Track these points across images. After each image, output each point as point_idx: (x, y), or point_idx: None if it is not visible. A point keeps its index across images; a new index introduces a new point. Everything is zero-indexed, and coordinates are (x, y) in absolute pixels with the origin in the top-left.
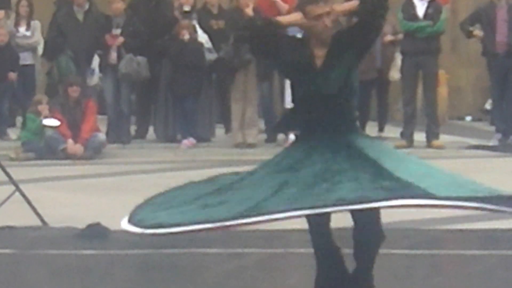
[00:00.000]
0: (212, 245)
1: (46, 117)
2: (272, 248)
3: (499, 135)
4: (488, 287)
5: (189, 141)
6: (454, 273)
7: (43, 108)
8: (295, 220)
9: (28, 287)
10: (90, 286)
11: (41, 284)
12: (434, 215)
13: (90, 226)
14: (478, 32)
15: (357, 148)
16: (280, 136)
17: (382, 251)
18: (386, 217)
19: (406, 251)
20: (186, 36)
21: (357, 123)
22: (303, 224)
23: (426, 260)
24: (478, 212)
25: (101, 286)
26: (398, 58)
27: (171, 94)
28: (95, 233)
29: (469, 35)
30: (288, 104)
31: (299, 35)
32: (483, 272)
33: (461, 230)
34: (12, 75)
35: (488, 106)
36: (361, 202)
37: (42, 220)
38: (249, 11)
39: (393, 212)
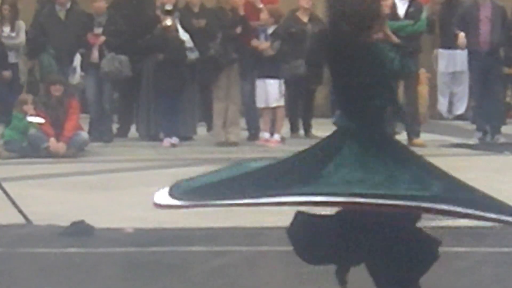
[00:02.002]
0: (197, 243)
1: (31, 115)
2: (257, 246)
3: (479, 134)
4: (472, 283)
5: (172, 140)
6: (438, 269)
7: (29, 108)
8: (279, 218)
9: (13, 285)
10: (75, 283)
11: (25, 282)
12: None
13: (74, 224)
14: (462, 35)
15: None
16: (262, 134)
17: None
18: None
19: None
20: (169, 33)
21: None
22: (287, 222)
23: None
24: None
25: (86, 283)
26: None
27: (154, 92)
28: (79, 230)
29: (456, 39)
30: (260, 103)
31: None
32: (467, 269)
33: (443, 227)
34: (6, 74)
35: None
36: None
37: (26, 218)
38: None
39: None
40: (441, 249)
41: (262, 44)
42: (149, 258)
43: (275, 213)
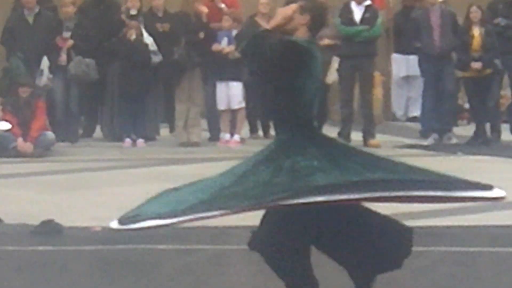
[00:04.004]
0: (164, 242)
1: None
2: (223, 245)
3: (435, 135)
4: (429, 282)
5: (138, 142)
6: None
7: None
8: (243, 217)
9: None
10: (46, 281)
11: None
12: None
13: (44, 223)
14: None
15: None
16: (223, 135)
17: None
18: None
19: None
20: (133, 36)
21: None
22: (254, 221)
23: None
24: (420, 209)
25: (56, 281)
26: (335, 62)
27: (120, 94)
28: (50, 229)
29: (417, 49)
30: (221, 106)
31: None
32: (424, 268)
33: None
34: None
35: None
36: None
37: None
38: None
39: None
40: None
41: (226, 48)
42: (118, 256)
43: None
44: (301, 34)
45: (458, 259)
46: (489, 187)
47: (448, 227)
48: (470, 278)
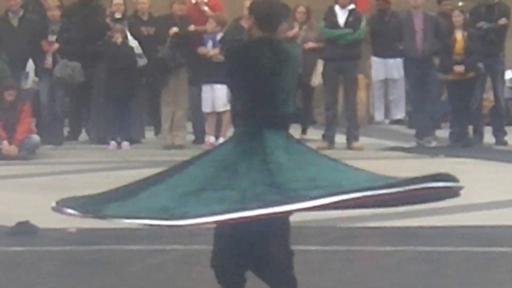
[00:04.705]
0: (137, 242)
1: None
2: (194, 245)
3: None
4: (400, 281)
5: (124, 145)
6: (367, 267)
7: None
8: None
9: None
10: (20, 280)
11: None
12: (349, 214)
13: (19, 224)
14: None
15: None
16: (208, 138)
17: (299, 247)
18: (303, 215)
19: (322, 247)
20: (119, 40)
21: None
22: None
23: (341, 256)
24: (391, 210)
25: (30, 280)
26: (320, 65)
27: (106, 97)
28: (24, 230)
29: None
30: (206, 108)
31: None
32: (395, 266)
33: (375, 228)
34: None
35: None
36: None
37: None
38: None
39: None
40: (371, 248)
41: (211, 51)
42: (91, 256)
43: None
44: (256, 34)
45: (427, 258)
46: (446, 178)
47: (419, 227)
48: (438, 277)
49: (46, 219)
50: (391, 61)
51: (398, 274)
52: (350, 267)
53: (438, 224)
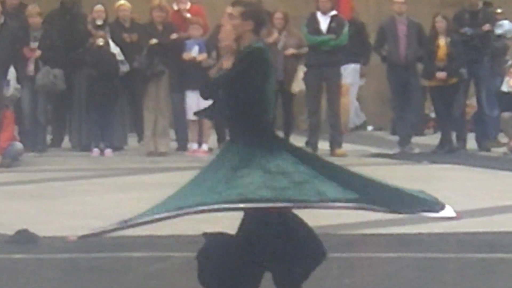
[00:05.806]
0: (137, 249)
1: None
2: (193, 252)
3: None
4: (399, 286)
5: (106, 152)
6: (366, 274)
7: None
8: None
9: None
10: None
11: None
12: (349, 220)
13: (19, 232)
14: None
15: None
16: (190, 145)
17: None
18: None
19: None
20: (101, 41)
21: None
22: (223, 229)
23: (340, 263)
24: (389, 217)
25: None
26: (301, 71)
27: (87, 104)
28: (25, 238)
29: (384, 58)
30: (190, 116)
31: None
32: (393, 273)
33: (373, 235)
34: None
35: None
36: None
37: None
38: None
39: (311, 218)
40: (369, 254)
41: (198, 56)
42: (91, 264)
43: (211, 221)
44: (248, 40)
45: (426, 265)
46: (440, 207)
47: (415, 234)
48: (437, 283)
49: (42, 227)
50: (353, 66)
51: (397, 281)
52: (349, 274)
53: (436, 231)
